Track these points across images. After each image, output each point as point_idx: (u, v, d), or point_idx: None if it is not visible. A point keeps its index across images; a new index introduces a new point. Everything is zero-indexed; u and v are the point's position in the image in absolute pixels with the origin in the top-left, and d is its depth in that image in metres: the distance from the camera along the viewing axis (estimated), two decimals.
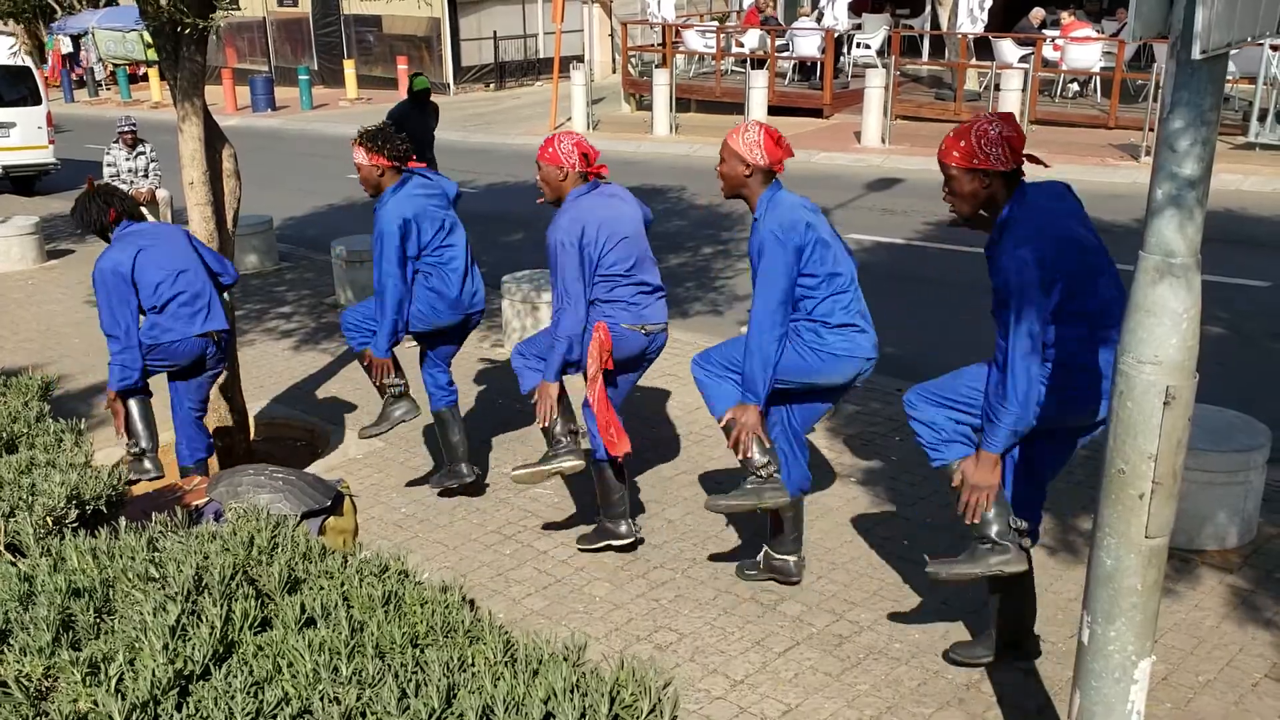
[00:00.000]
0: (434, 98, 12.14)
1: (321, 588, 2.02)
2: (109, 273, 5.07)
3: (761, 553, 4.71)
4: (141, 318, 5.19)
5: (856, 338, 4.13)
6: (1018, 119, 13.86)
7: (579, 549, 5.03)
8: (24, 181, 15.85)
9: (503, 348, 7.93)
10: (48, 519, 2.46)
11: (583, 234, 4.50)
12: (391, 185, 5.11)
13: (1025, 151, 3.50)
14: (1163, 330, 2.72)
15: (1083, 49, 16.12)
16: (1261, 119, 13.51)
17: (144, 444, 5.19)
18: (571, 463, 4.70)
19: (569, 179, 4.62)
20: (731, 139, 4.13)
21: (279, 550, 2.16)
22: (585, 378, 4.65)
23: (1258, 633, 4.21)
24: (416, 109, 11.30)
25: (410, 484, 5.84)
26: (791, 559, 4.62)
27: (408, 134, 9.72)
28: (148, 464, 5.17)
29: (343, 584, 2.04)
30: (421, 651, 1.84)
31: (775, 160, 4.11)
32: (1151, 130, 13.42)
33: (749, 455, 4.16)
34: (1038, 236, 3.39)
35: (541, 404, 4.66)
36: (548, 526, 5.31)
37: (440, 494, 5.67)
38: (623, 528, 4.92)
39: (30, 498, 2.53)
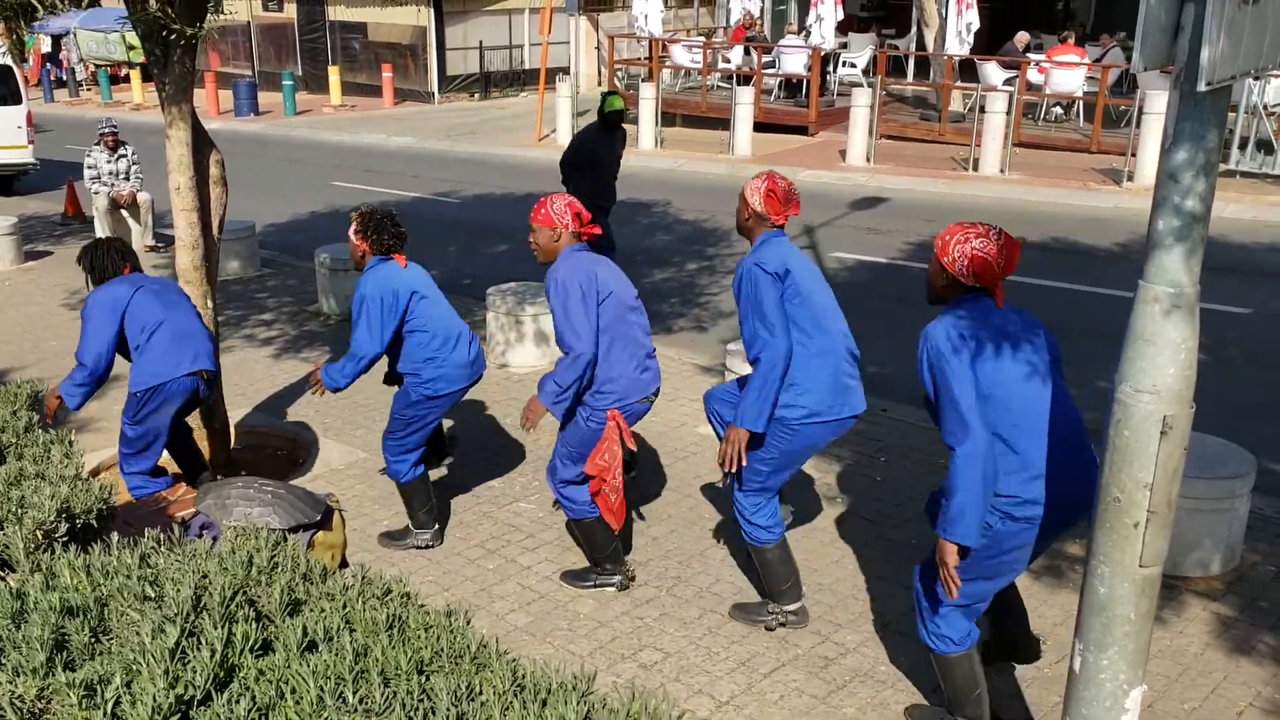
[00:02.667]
0: (416, 107, 11.25)
1: (323, 610, 1.99)
2: (104, 304, 5.15)
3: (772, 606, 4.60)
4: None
5: (850, 399, 4.30)
6: (1001, 141, 13.85)
7: (565, 584, 4.93)
8: (2, 181, 15.71)
9: (487, 360, 7.90)
10: (38, 533, 2.41)
11: (585, 279, 4.44)
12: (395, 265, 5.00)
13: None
14: (1162, 360, 2.73)
15: (1066, 73, 16.26)
16: (1242, 147, 13.65)
17: None
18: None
19: (562, 239, 4.60)
20: (747, 183, 4.33)
21: (279, 570, 2.12)
22: (604, 463, 4.56)
23: (1242, 660, 4.23)
24: (606, 134, 9.14)
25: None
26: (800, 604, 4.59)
27: (594, 165, 8.95)
28: None
29: (344, 606, 2.01)
30: (428, 678, 1.81)
31: (772, 212, 4.23)
32: (1134, 155, 13.55)
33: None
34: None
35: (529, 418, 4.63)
36: (531, 542, 5.28)
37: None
38: (616, 578, 4.85)
39: (20, 511, 2.49)
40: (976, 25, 17.21)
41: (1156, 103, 12.85)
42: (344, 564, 4.83)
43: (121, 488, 5.48)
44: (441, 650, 1.85)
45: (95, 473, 5.99)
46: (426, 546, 5.21)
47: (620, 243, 10.96)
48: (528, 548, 5.23)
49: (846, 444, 6.26)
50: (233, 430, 6.36)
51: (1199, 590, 4.71)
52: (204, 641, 1.83)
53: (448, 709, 1.67)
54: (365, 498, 5.80)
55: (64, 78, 31.72)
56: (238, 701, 1.72)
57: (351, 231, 5.01)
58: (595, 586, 4.86)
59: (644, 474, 6.00)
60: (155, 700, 1.67)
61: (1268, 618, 4.51)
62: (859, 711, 3.99)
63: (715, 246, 11.51)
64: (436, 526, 5.25)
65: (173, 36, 5.42)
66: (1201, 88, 2.47)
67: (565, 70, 22.03)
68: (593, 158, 9.02)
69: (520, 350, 7.72)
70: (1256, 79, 13.33)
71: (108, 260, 5.32)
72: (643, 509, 5.59)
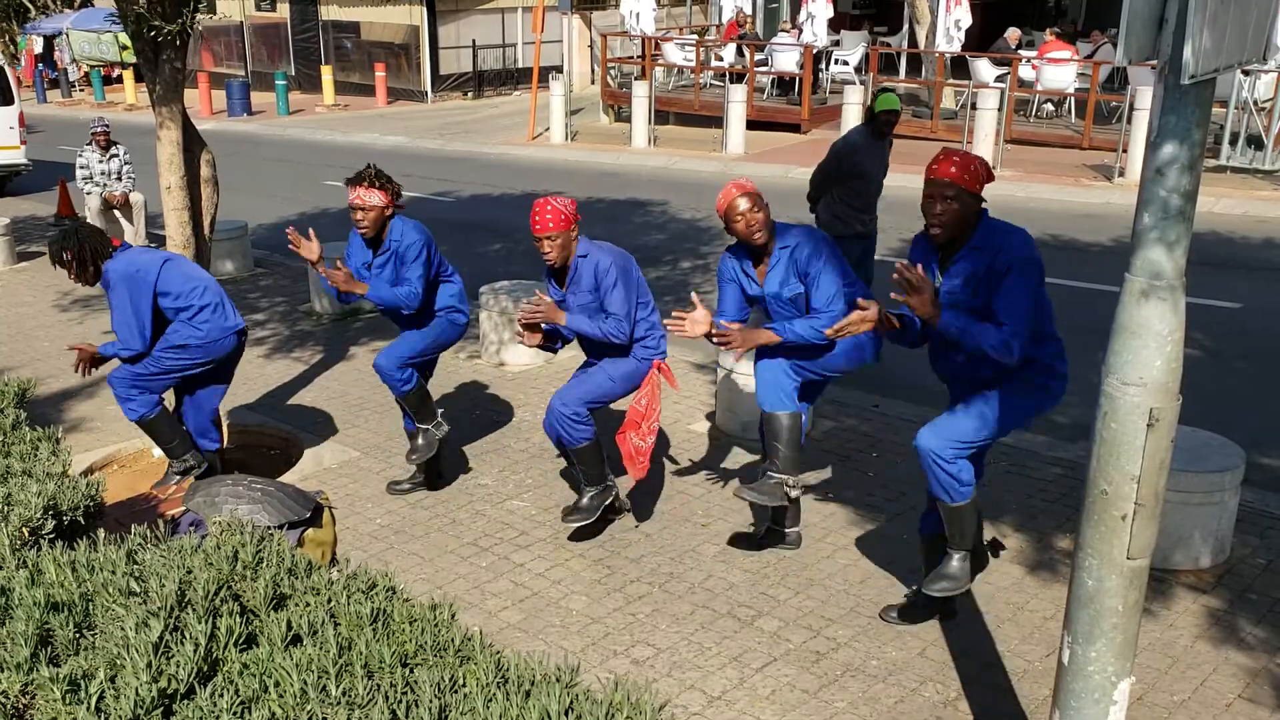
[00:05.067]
0: (409, 106, 11.06)
1: (308, 604, 1.99)
2: (132, 276, 5.11)
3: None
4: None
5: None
6: (993, 137, 13.78)
7: (575, 529, 5.15)
8: None
9: (479, 359, 7.90)
10: (24, 530, 2.41)
11: (628, 259, 4.95)
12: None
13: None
14: (1148, 352, 2.73)
15: (1058, 70, 16.29)
16: (1233, 142, 13.68)
17: (190, 460, 5.51)
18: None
19: (576, 231, 4.87)
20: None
21: (264, 565, 2.12)
22: (640, 408, 4.91)
23: (1231, 653, 4.24)
24: (875, 140, 7.38)
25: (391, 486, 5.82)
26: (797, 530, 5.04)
27: (858, 177, 7.37)
28: (191, 462, 5.55)
29: (329, 600, 2.01)
30: (411, 671, 1.81)
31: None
32: (1125, 151, 13.57)
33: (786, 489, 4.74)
34: None
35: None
36: (524, 538, 5.28)
37: (416, 505, 5.64)
38: (611, 495, 5.15)
39: (6, 508, 2.48)
40: (967, 22, 17.23)
41: (1147, 98, 12.87)
42: (334, 561, 4.84)
43: (114, 486, 5.48)
44: (426, 643, 1.85)
45: (87, 472, 5.98)
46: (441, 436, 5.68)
47: (613, 239, 10.95)
48: (520, 545, 5.23)
49: (838, 438, 6.27)
50: (225, 429, 6.35)
51: (1188, 583, 4.72)
52: (188, 636, 1.83)
53: (431, 701, 1.67)
54: (357, 496, 5.80)
55: (57, 78, 31.65)
56: (221, 695, 1.72)
57: (366, 190, 5.12)
58: (601, 512, 5.11)
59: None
60: (138, 694, 1.67)
61: (1257, 610, 4.52)
62: (850, 706, 3.99)
63: (709, 245, 11.51)
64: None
65: (159, 35, 5.42)
66: (1185, 81, 2.48)
67: (558, 69, 22.02)
68: (856, 168, 7.34)
69: (513, 349, 7.72)
70: (1246, 74, 13.36)
71: (96, 240, 5.20)
72: (634, 506, 5.59)
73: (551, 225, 4.75)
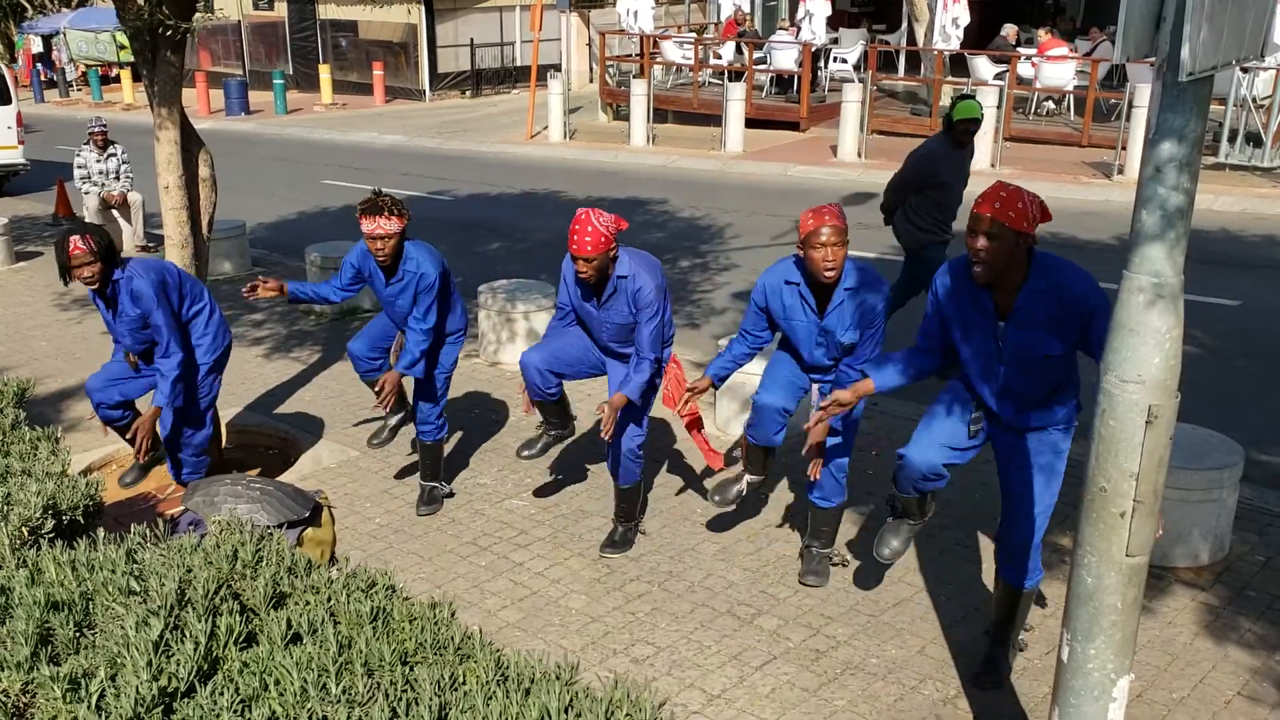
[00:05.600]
0: (407, 105, 10.98)
1: (307, 603, 1.99)
2: (163, 285, 5.13)
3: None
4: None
5: None
6: (992, 135, 13.47)
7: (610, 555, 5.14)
8: None
9: (477, 358, 7.90)
10: (24, 529, 2.41)
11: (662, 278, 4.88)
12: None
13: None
14: (1146, 350, 2.73)
15: (1057, 67, 16.28)
16: (1231, 140, 13.68)
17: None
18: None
19: (616, 250, 4.69)
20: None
21: (263, 564, 2.12)
22: (676, 408, 4.86)
23: (1230, 650, 4.25)
24: (954, 149, 7.11)
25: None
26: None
27: (937, 188, 7.12)
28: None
29: (329, 599, 2.01)
30: (411, 669, 1.81)
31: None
32: (1124, 149, 13.58)
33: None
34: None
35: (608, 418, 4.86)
36: (524, 538, 5.28)
37: (415, 504, 5.64)
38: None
39: (5, 508, 2.48)
40: (965, 19, 17.22)
41: (1146, 96, 12.88)
42: (333, 560, 4.84)
43: (113, 485, 5.47)
44: (425, 642, 1.85)
45: (86, 471, 5.98)
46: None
47: None
48: (520, 544, 5.23)
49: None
50: (224, 429, 6.35)
51: (1188, 580, 4.72)
52: (188, 634, 1.83)
53: (431, 699, 1.68)
54: (356, 495, 5.80)
55: (54, 78, 31.63)
56: (221, 693, 1.72)
57: (386, 219, 4.98)
58: (635, 533, 5.21)
59: None
60: (138, 692, 1.68)
61: (1256, 607, 4.53)
62: (850, 704, 3.99)
63: (708, 243, 11.51)
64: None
65: (160, 33, 5.42)
66: (1183, 78, 2.48)
67: (556, 67, 22.02)
68: (936, 177, 7.14)
69: (511, 348, 7.71)
70: (1245, 71, 13.36)
71: (110, 241, 5.14)
72: None
73: (590, 248, 4.51)
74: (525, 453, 5.15)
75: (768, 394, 4.57)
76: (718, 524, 5.36)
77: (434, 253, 5.27)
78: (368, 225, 4.98)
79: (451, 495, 5.72)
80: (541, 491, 5.75)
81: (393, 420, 5.61)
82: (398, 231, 5.05)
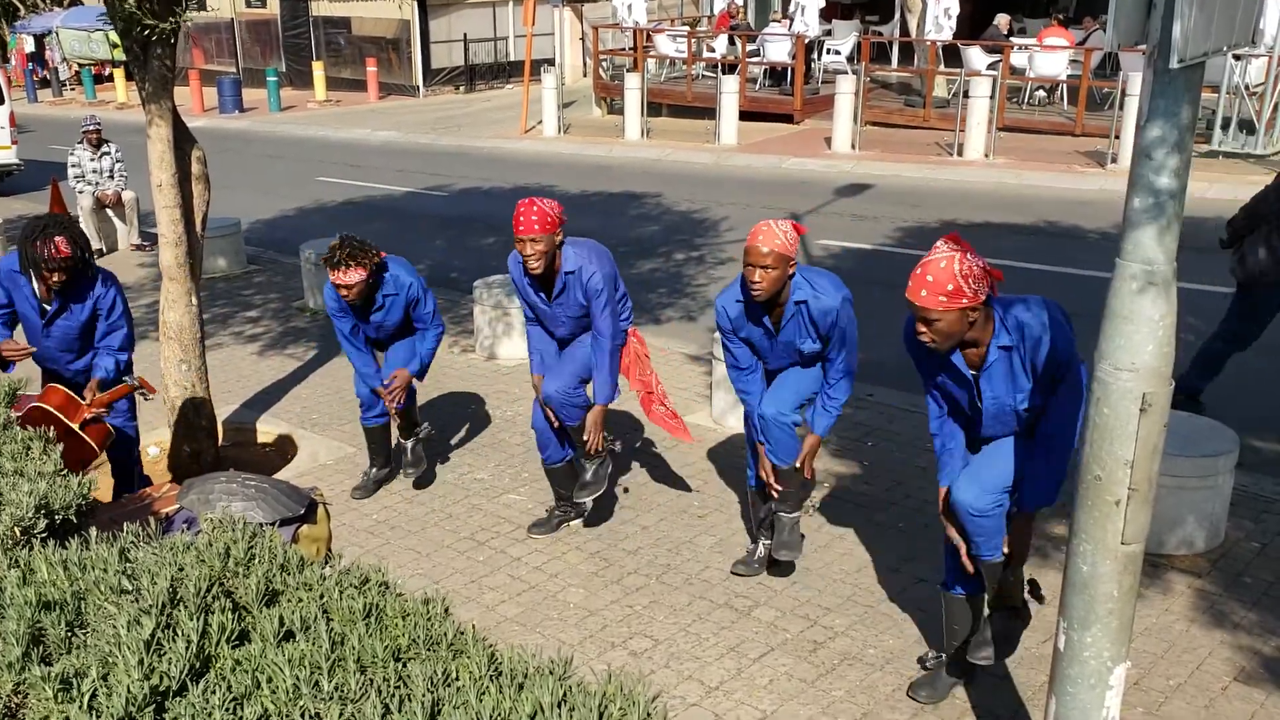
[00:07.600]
0: (401, 101, 11.07)
1: (300, 600, 1.99)
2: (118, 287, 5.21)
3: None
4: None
5: None
6: (986, 125, 13.55)
7: (589, 504, 5.19)
8: None
9: (473, 353, 7.90)
10: (15, 529, 2.41)
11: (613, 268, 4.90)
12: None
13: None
14: (1140, 337, 2.73)
15: (1050, 56, 16.28)
16: (1225, 127, 13.68)
17: None
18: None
19: (562, 237, 4.72)
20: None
21: (256, 561, 2.12)
22: (645, 380, 5.07)
23: (1226, 637, 4.25)
24: None
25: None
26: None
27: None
28: None
29: (322, 596, 2.00)
30: (404, 665, 1.81)
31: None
32: (1118, 138, 13.57)
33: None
34: None
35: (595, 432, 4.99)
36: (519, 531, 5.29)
37: (412, 500, 5.64)
38: (611, 464, 5.23)
39: None
40: (956, 9, 17.21)
41: (1139, 84, 12.87)
42: (330, 557, 4.83)
43: (106, 485, 5.46)
44: (419, 638, 1.85)
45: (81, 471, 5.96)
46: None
47: (606, 233, 10.97)
48: (517, 539, 5.23)
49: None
50: (220, 427, 6.35)
51: (1183, 568, 4.73)
52: (180, 633, 1.83)
53: (423, 695, 1.68)
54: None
55: (48, 77, 31.56)
56: (213, 691, 1.72)
57: (349, 271, 5.08)
58: (605, 474, 5.15)
59: (633, 462, 6.00)
60: (130, 691, 1.67)
61: (1251, 594, 4.54)
62: (848, 694, 4.00)
63: (703, 236, 11.50)
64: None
65: (148, 33, 5.40)
66: (1174, 65, 2.47)
67: (550, 62, 21.97)
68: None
69: (508, 343, 7.71)
70: (1237, 59, 13.35)
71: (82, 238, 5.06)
72: (631, 497, 5.59)
73: (537, 227, 4.50)
74: (536, 531, 5.30)
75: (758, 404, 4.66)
76: (714, 518, 5.36)
77: (409, 267, 5.43)
78: (335, 277, 5.12)
79: (434, 434, 6.00)
80: (539, 486, 5.75)
81: (375, 473, 5.82)
82: (362, 280, 5.12)
